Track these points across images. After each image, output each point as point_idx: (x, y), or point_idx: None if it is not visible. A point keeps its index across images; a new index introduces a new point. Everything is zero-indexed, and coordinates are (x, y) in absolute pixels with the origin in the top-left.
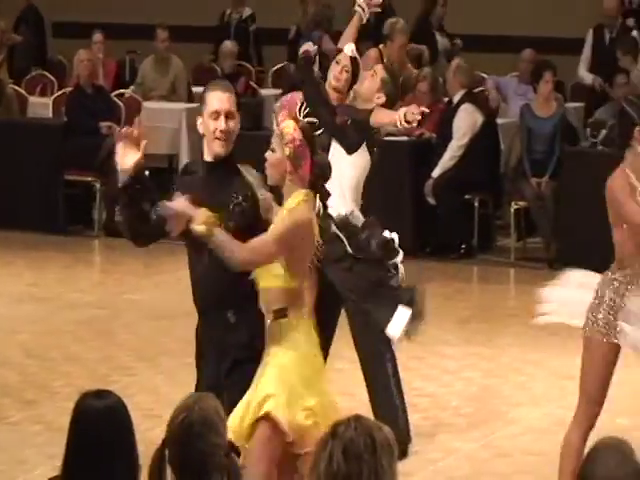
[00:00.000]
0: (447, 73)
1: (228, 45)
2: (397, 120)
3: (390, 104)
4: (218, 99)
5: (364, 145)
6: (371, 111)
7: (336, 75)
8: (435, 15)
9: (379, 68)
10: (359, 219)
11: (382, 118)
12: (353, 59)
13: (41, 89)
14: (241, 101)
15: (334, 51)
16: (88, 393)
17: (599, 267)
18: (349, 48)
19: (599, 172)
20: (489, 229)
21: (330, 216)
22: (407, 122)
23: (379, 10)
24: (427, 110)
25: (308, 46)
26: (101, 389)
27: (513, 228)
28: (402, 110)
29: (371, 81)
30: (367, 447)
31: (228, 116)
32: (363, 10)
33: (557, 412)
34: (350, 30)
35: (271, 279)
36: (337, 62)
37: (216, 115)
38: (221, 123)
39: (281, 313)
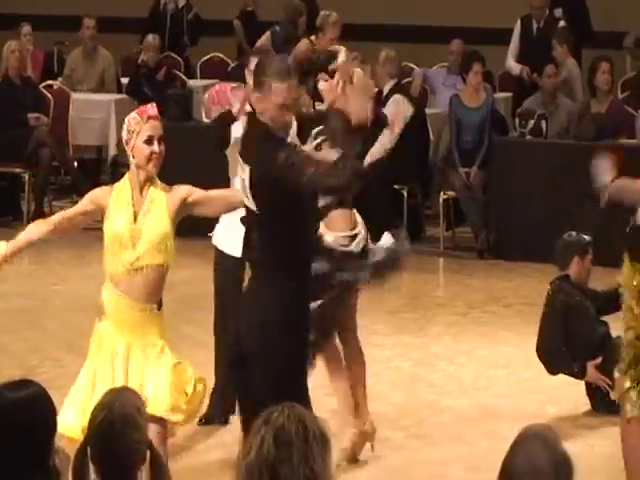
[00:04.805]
0: (375, 64)
1: (151, 38)
2: None
3: None
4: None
5: None
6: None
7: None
8: None
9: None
10: None
11: None
12: None
13: None
14: (169, 92)
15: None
16: (3, 385)
17: (526, 255)
18: None
19: (528, 162)
20: (418, 219)
21: None
22: None
23: None
24: None
25: None
26: (19, 380)
27: (442, 218)
28: None
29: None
30: (298, 434)
31: None
32: None
33: (486, 401)
34: None
35: (162, 254)
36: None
37: None
38: None
39: (161, 302)
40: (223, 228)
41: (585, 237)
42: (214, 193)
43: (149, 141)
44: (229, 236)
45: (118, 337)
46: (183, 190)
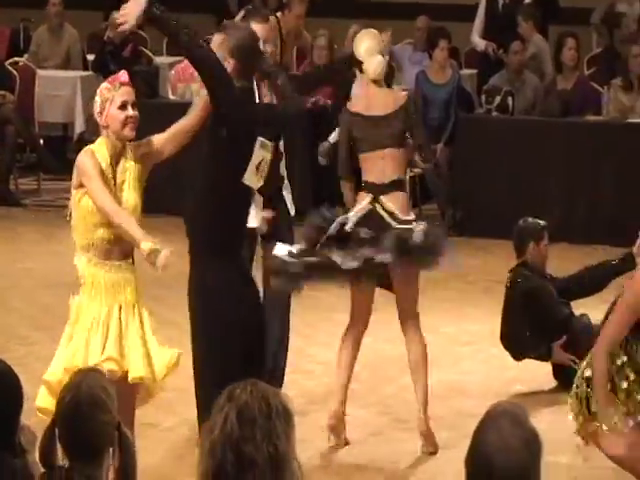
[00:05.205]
0: (346, 40)
1: (116, 15)
2: None
3: None
4: None
5: None
6: None
7: None
8: None
9: None
10: None
11: None
12: None
13: None
14: (135, 69)
15: None
16: None
17: (492, 232)
18: None
19: (494, 138)
20: None
21: None
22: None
23: None
24: None
25: None
26: None
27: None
28: None
29: None
30: (261, 411)
31: None
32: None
33: (452, 378)
34: None
35: (137, 210)
36: None
37: None
38: None
39: (133, 256)
40: None
41: (540, 222)
42: (170, 130)
43: (123, 106)
44: None
45: (95, 305)
46: (144, 147)
